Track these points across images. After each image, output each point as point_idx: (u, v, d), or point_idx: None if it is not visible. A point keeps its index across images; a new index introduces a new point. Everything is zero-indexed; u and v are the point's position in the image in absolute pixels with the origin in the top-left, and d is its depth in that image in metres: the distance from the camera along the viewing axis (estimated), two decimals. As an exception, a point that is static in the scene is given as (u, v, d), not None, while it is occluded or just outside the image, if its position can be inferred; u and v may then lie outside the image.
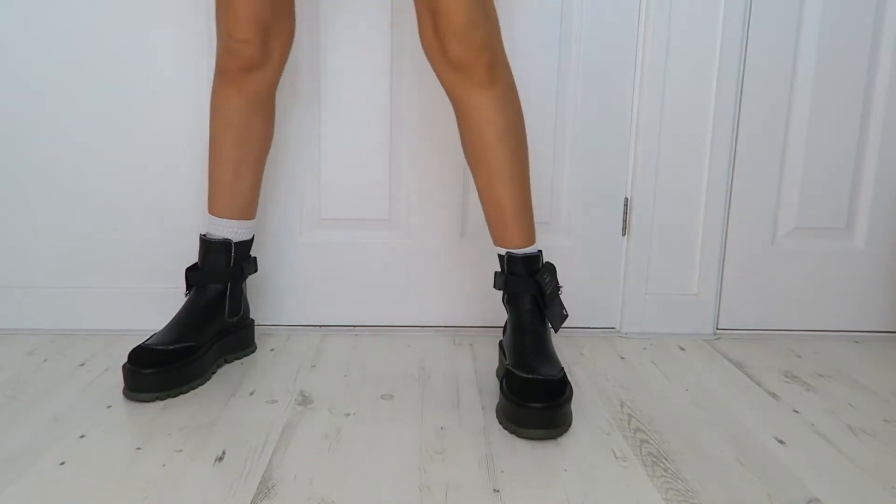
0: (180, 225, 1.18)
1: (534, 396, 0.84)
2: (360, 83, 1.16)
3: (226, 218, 1.03)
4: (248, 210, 1.05)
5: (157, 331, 1.21)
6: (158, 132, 1.15)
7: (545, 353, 0.91)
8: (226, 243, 1.02)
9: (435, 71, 0.92)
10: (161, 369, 0.92)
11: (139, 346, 0.95)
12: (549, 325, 0.96)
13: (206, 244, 1.03)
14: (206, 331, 1.00)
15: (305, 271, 1.21)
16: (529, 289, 0.94)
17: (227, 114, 0.99)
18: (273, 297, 1.22)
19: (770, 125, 1.21)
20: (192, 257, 1.19)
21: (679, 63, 1.18)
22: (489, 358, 1.11)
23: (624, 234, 1.24)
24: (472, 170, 0.96)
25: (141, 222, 1.18)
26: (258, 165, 1.04)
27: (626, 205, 1.23)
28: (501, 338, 1.03)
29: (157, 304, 1.19)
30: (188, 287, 1.03)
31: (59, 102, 1.13)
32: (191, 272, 1.03)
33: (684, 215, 1.23)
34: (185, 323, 0.99)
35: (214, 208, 1.03)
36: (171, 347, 0.95)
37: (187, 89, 1.14)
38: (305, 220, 1.21)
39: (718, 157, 1.20)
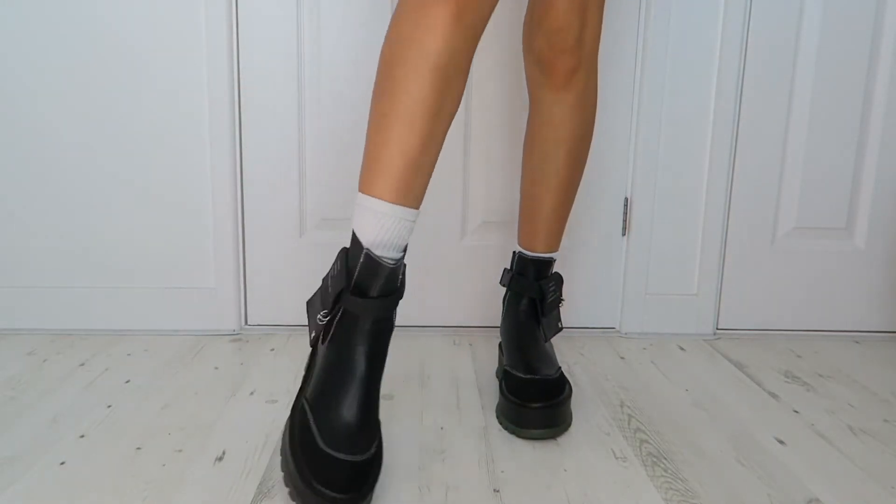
0: (181, 224, 1.18)
1: (533, 396, 0.84)
2: (362, 81, 1.16)
3: (406, 206, 0.71)
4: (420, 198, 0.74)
5: (161, 331, 1.22)
6: (159, 132, 1.15)
7: (542, 352, 0.91)
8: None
9: (524, 57, 0.92)
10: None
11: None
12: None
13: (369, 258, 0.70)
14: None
15: (305, 271, 1.21)
16: (531, 292, 0.94)
17: (432, 49, 0.68)
18: (273, 297, 1.22)
19: (770, 125, 1.21)
20: (191, 257, 1.19)
21: (679, 63, 1.18)
22: (489, 358, 1.11)
23: (624, 234, 1.24)
24: (523, 162, 0.97)
25: (141, 222, 1.18)
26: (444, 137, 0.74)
27: (626, 205, 1.23)
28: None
29: (158, 304, 1.19)
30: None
31: (60, 102, 1.13)
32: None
33: (684, 215, 1.23)
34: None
35: (394, 191, 0.71)
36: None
37: (189, 89, 1.14)
38: (305, 220, 1.21)
39: (718, 157, 1.20)
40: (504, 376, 0.89)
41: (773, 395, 0.99)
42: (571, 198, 0.96)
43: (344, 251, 0.74)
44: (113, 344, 1.14)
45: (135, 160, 1.16)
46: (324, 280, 0.76)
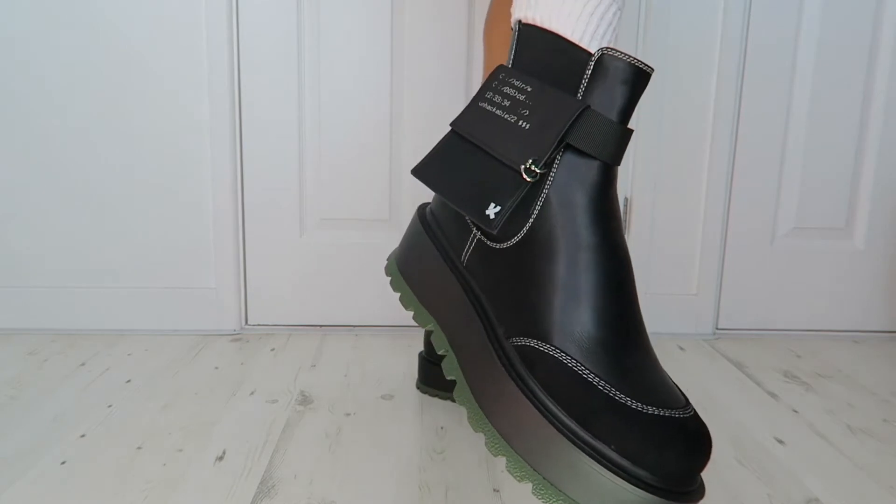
0: (181, 224, 1.18)
1: None
2: (360, 79, 1.17)
3: None
4: None
5: (161, 331, 1.22)
6: (161, 131, 1.15)
7: None
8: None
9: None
10: None
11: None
12: None
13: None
14: None
15: (305, 271, 1.21)
16: None
17: None
18: (273, 298, 1.22)
19: (769, 125, 1.21)
20: (191, 257, 1.19)
21: (679, 62, 1.18)
22: (489, 358, 1.11)
23: (624, 234, 1.24)
24: None
25: (141, 222, 1.18)
26: None
27: (626, 205, 1.23)
28: None
29: (158, 304, 1.19)
30: None
31: (60, 103, 1.13)
32: None
33: (684, 215, 1.23)
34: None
35: None
36: None
37: (189, 89, 1.14)
38: (305, 220, 1.21)
39: (718, 157, 1.20)
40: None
41: (773, 395, 0.99)
42: None
43: (500, 72, 0.48)
44: (113, 344, 1.14)
45: (135, 160, 1.16)
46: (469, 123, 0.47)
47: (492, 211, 0.43)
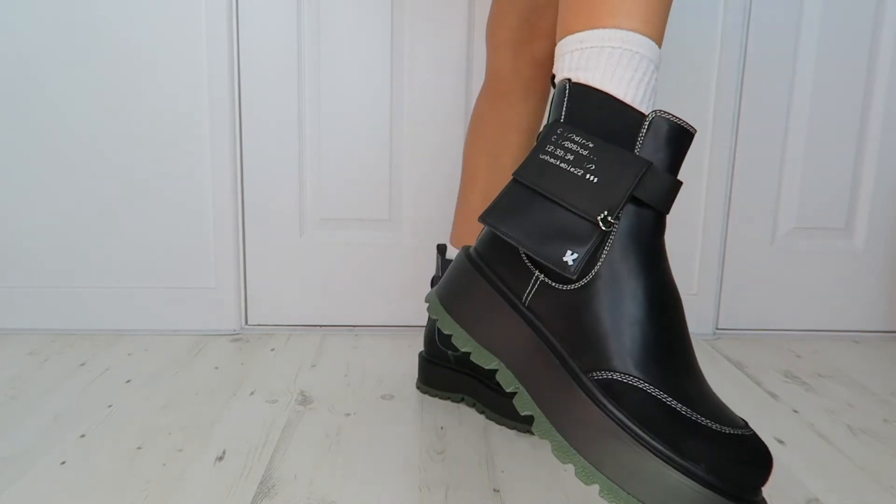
0: (181, 224, 1.18)
1: None
2: (361, 80, 1.17)
3: None
4: None
5: (161, 331, 1.22)
6: (161, 131, 1.15)
7: None
8: None
9: (510, 64, 0.86)
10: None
11: None
12: None
13: None
14: None
15: (305, 271, 1.21)
16: None
17: None
18: (273, 297, 1.22)
19: (770, 125, 1.21)
20: (191, 257, 1.19)
21: (679, 63, 1.18)
22: (489, 358, 1.11)
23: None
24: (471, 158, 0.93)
25: (141, 222, 1.18)
26: None
27: (626, 205, 1.23)
28: None
29: (158, 304, 1.19)
30: None
31: (60, 103, 1.13)
32: None
33: (684, 215, 1.23)
34: None
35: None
36: None
37: (189, 89, 1.14)
38: (305, 220, 1.21)
39: (718, 156, 1.20)
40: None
41: (773, 395, 0.99)
42: None
43: (557, 127, 0.52)
44: (113, 344, 1.14)
45: (135, 160, 1.16)
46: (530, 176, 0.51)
47: (570, 258, 0.48)
